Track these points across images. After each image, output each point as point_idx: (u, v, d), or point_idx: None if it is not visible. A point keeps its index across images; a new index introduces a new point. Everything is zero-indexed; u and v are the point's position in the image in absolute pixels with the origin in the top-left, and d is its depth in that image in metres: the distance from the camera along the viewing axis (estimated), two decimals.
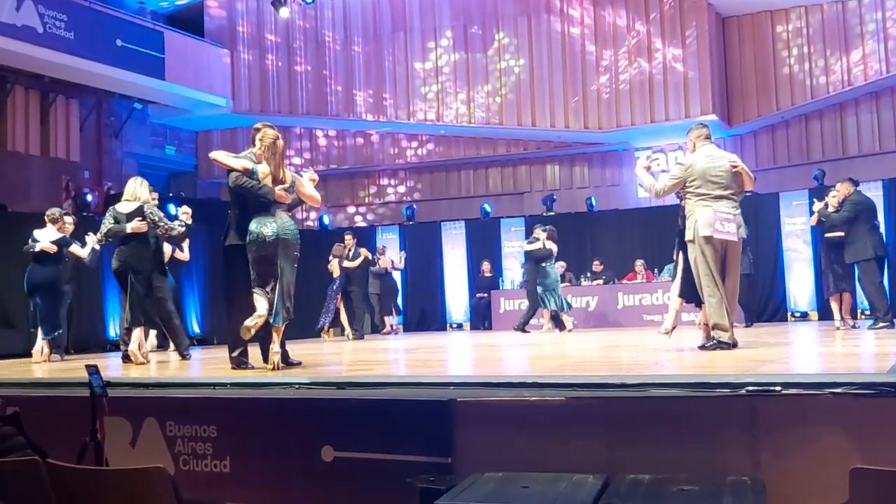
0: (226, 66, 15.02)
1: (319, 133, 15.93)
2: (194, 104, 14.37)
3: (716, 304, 5.10)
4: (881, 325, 7.64)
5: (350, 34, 15.35)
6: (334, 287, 11.12)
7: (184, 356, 6.73)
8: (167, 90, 13.49)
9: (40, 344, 7.44)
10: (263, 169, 5.02)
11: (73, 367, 5.76)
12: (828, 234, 8.33)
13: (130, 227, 6.33)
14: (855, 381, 2.95)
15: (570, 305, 10.72)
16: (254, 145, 5.15)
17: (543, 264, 10.33)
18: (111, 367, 6.26)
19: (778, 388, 2.98)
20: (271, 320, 4.89)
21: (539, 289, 10.27)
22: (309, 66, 15.38)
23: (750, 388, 3.01)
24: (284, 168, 5.17)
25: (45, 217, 7.73)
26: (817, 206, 8.50)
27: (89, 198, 11.91)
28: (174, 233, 6.59)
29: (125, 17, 13.03)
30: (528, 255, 10.78)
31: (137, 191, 6.55)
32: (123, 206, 6.49)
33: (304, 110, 15.36)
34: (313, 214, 16.13)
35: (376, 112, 15.14)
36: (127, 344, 6.37)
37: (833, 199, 8.32)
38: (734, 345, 5.11)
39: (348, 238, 11.43)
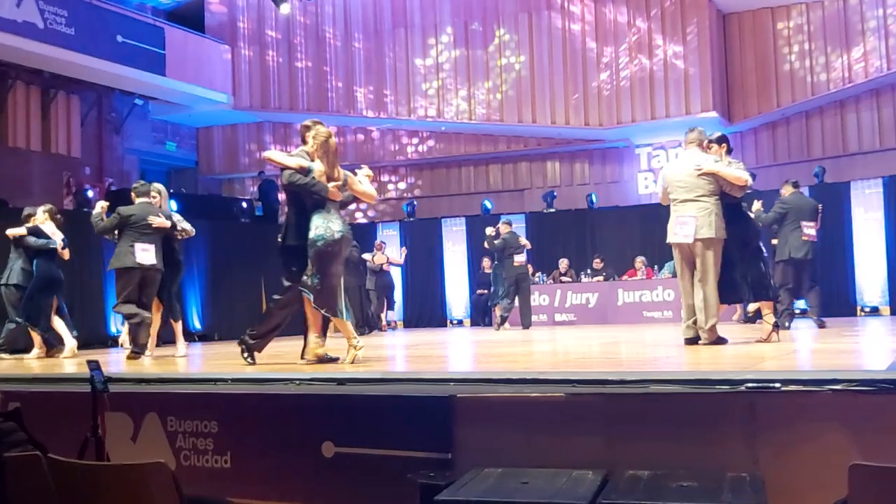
0: (226, 62, 15.01)
1: None
2: (195, 100, 14.36)
3: (696, 306, 5.28)
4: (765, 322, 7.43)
5: (350, 30, 15.33)
6: None
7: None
8: (168, 86, 13.48)
9: (73, 342, 7.38)
10: (318, 167, 4.96)
11: (75, 363, 5.77)
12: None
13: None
14: (854, 377, 2.96)
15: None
16: (304, 143, 5.10)
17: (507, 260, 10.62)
18: (112, 362, 6.27)
19: (777, 385, 2.98)
20: (339, 316, 4.91)
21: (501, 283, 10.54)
22: (309, 63, 15.37)
23: (750, 384, 3.01)
24: (338, 166, 5.12)
25: (44, 213, 7.72)
26: (755, 205, 8.36)
27: (90, 194, 11.90)
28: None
29: (126, 13, 13.01)
30: (499, 252, 10.92)
31: None
32: None
33: (304, 106, 15.34)
34: None
35: (377, 108, 15.13)
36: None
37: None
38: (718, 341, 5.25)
39: None
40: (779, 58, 13.55)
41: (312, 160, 5.00)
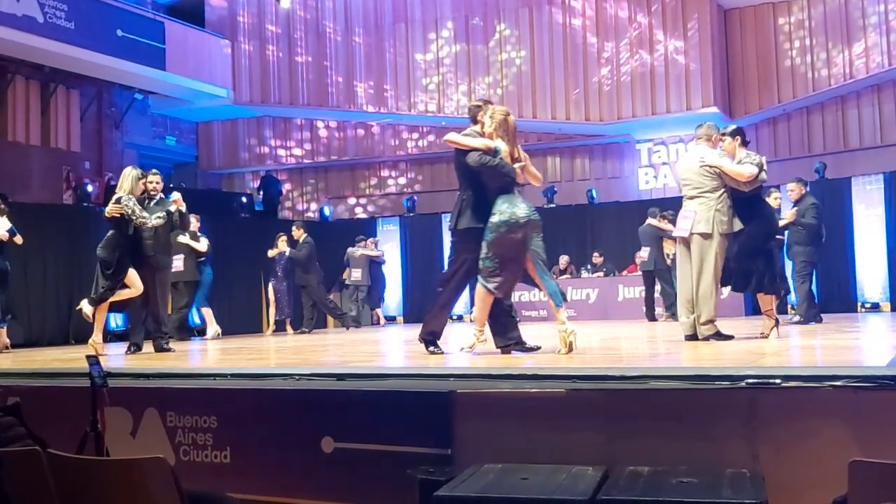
0: (226, 56, 14.97)
1: (320, 124, 15.89)
2: (195, 95, 14.34)
3: (695, 299, 5.36)
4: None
5: (351, 25, 15.29)
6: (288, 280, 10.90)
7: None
8: (168, 80, 13.45)
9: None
10: (503, 147, 4.71)
11: (74, 358, 5.77)
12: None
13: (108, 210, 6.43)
14: (855, 374, 2.96)
15: None
16: (475, 123, 4.85)
17: None
18: (112, 357, 6.27)
19: (778, 381, 2.98)
20: (554, 302, 4.68)
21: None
22: (310, 57, 15.34)
23: (750, 380, 3.01)
24: (518, 145, 4.87)
25: None
26: (773, 201, 8.18)
27: (90, 188, 11.89)
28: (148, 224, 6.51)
29: (126, 7, 12.98)
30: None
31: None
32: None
33: (304, 101, 15.32)
34: (314, 206, 16.13)
35: (377, 103, 15.11)
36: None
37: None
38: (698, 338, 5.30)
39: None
40: (780, 53, 13.52)
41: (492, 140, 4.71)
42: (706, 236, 5.29)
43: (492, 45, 14.63)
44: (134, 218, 6.36)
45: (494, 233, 4.62)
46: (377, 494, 3.27)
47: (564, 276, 12.59)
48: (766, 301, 5.60)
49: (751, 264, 5.39)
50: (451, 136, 4.87)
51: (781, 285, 5.83)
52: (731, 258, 5.41)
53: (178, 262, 8.68)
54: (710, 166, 5.34)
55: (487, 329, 4.92)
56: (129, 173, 6.59)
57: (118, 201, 6.39)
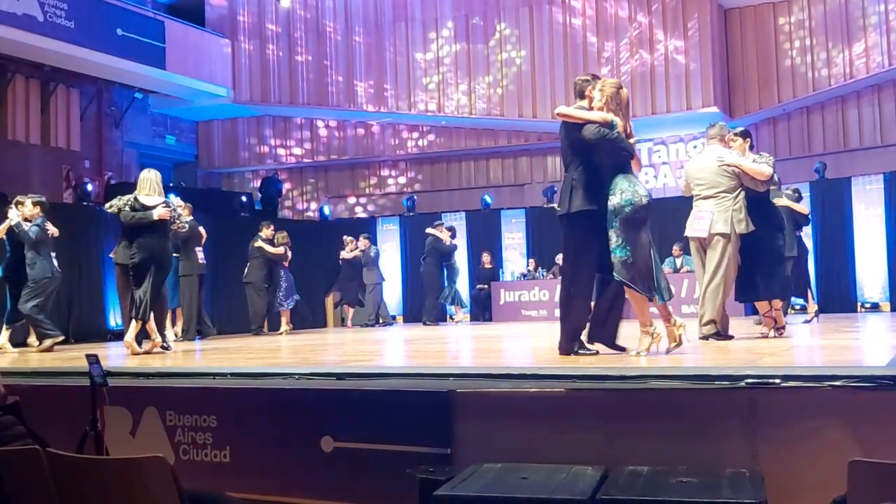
0: (226, 55, 14.97)
1: (320, 123, 15.89)
2: (195, 94, 14.33)
3: (702, 297, 5.36)
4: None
5: (351, 24, 15.28)
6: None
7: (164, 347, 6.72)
8: (168, 80, 13.45)
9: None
10: (618, 121, 4.31)
11: (74, 357, 5.77)
12: None
13: (157, 213, 6.22)
14: (854, 374, 2.95)
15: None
16: (581, 98, 4.50)
17: (452, 260, 11.41)
18: (111, 356, 6.27)
19: (777, 381, 2.98)
20: (657, 297, 4.27)
21: (449, 283, 11.32)
22: (310, 56, 15.33)
23: (749, 380, 3.01)
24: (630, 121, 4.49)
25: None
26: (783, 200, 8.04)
27: (90, 187, 11.89)
28: (183, 230, 6.58)
29: (126, 6, 12.97)
30: (433, 249, 11.64)
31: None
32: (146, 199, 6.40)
33: (304, 100, 15.31)
34: (314, 205, 16.13)
35: (377, 102, 15.10)
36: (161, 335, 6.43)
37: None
38: (721, 336, 5.28)
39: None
40: (780, 53, 13.51)
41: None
42: (724, 236, 5.31)
43: (492, 44, 14.62)
44: (178, 222, 6.40)
45: (620, 215, 4.22)
46: (377, 494, 3.27)
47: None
48: (776, 304, 5.59)
49: (779, 265, 5.45)
50: (563, 108, 4.49)
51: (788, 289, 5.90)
52: (756, 266, 5.38)
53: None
54: (730, 165, 5.34)
55: (659, 324, 4.43)
56: (157, 177, 6.53)
57: (167, 204, 6.35)
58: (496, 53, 14.59)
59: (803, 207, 8.21)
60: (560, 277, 4.55)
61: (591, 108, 4.40)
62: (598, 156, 4.36)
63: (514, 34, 14.47)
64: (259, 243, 10.47)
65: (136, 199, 6.35)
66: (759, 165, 5.39)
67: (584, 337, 4.52)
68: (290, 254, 10.65)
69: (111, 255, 7.57)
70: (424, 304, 11.92)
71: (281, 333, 10.28)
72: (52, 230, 7.63)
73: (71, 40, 11.68)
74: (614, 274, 4.27)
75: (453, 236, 11.87)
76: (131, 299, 6.32)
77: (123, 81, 13.41)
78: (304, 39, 15.36)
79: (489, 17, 14.63)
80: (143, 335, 6.41)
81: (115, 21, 12.43)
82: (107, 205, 6.59)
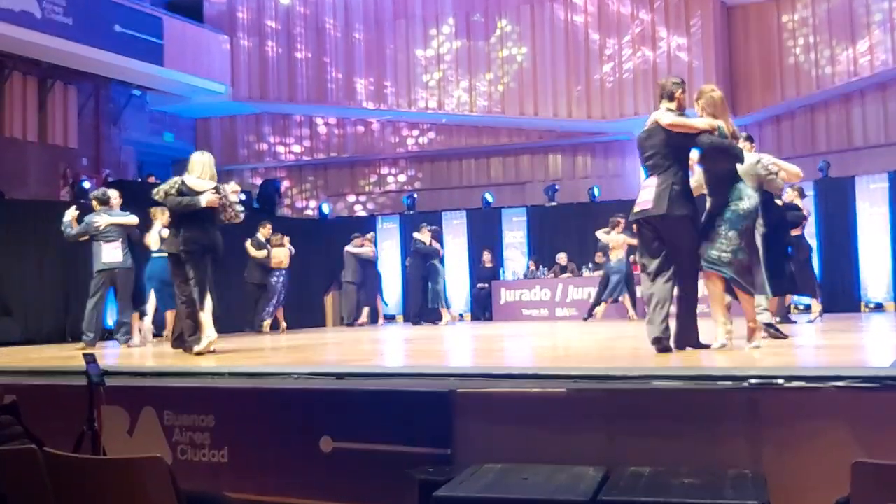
0: (225, 52, 14.93)
1: (319, 121, 15.86)
2: (193, 91, 14.29)
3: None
4: None
5: (351, 21, 15.24)
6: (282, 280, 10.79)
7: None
8: (166, 77, 13.41)
9: None
10: (724, 125, 4.39)
11: (72, 356, 5.74)
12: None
13: (206, 200, 5.60)
14: (858, 374, 2.93)
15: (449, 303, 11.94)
16: (670, 101, 4.47)
17: (434, 261, 11.37)
18: (109, 355, 6.25)
19: (780, 381, 2.96)
20: (758, 292, 4.50)
21: (430, 284, 11.27)
22: (309, 53, 15.29)
23: (752, 380, 2.99)
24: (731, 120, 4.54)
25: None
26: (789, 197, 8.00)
27: (87, 185, 11.84)
28: (237, 220, 5.95)
29: (124, 3, 12.93)
30: (415, 250, 11.50)
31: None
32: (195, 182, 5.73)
33: (304, 98, 15.28)
34: (313, 203, 16.10)
35: (377, 100, 15.07)
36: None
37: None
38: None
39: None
40: (783, 51, 13.46)
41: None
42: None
43: (493, 41, 14.58)
44: (230, 211, 5.78)
45: (747, 220, 4.30)
46: (376, 494, 3.25)
47: (566, 275, 12.57)
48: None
49: (788, 264, 5.48)
50: (672, 119, 4.39)
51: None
52: (773, 263, 5.41)
53: (116, 251, 7.43)
54: (771, 165, 5.32)
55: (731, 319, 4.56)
56: (210, 160, 5.92)
57: (217, 190, 5.71)
58: (497, 50, 14.56)
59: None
60: (652, 275, 4.44)
61: (679, 111, 4.46)
62: (706, 161, 4.44)
63: (516, 31, 14.43)
64: (248, 244, 10.44)
65: (183, 182, 5.72)
66: (794, 166, 5.53)
67: (671, 343, 4.52)
68: (285, 259, 10.63)
69: (162, 247, 7.20)
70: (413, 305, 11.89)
71: (281, 333, 10.28)
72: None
73: (69, 37, 11.65)
74: (726, 272, 4.31)
75: (436, 237, 11.66)
76: (183, 291, 5.71)
77: (121, 78, 13.37)
78: (303, 36, 15.32)
79: (490, 13, 14.59)
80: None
81: (113, 17, 12.40)
82: (154, 191, 5.92)
